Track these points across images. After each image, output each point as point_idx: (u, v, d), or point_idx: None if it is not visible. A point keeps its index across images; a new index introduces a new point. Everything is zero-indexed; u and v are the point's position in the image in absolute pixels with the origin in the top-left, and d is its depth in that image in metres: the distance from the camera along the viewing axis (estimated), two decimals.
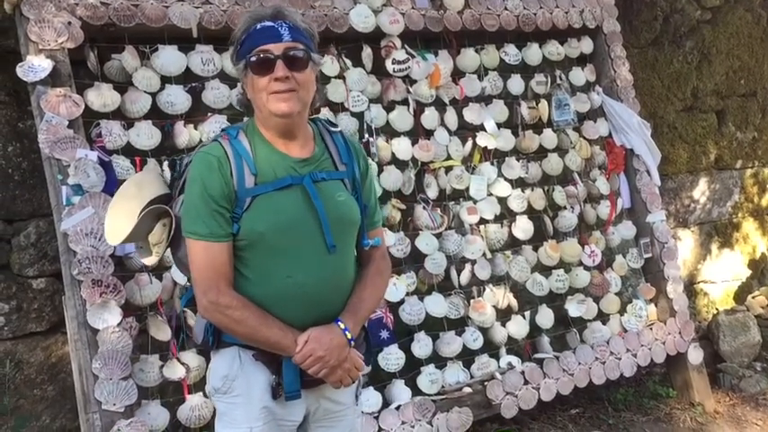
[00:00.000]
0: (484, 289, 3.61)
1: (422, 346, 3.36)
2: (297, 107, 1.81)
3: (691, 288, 5.02)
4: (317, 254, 1.83)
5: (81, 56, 2.82)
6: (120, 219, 1.98)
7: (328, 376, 1.83)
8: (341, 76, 3.32)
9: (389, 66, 3.44)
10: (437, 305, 3.44)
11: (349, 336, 1.84)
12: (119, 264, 2.73)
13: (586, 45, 4.11)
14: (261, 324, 1.78)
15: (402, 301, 3.35)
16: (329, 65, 3.29)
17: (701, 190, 5.12)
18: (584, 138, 4.02)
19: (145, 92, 2.90)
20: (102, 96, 2.82)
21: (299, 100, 1.81)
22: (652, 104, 4.72)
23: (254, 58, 1.79)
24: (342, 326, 1.83)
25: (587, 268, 3.91)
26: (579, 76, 4.07)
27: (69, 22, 2.73)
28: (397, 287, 3.34)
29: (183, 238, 1.85)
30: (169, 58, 2.95)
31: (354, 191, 1.95)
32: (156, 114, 2.93)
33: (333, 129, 1.99)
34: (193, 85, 3.01)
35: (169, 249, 2.00)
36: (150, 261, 2.04)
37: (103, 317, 2.58)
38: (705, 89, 5.01)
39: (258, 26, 1.81)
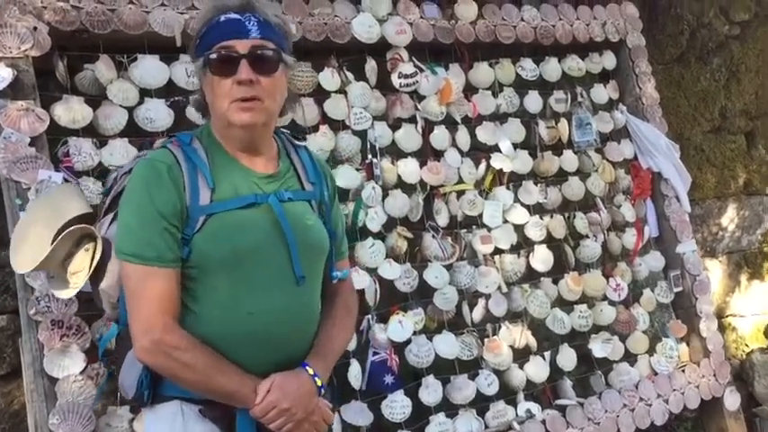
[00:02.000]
0: (499, 326, 3.28)
1: (430, 391, 3.01)
2: (261, 118, 1.57)
3: (718, 322, 4.65)
4: (283, 286, 1.58)
5: (49, 65, 2.52)
6: (31, 241, 1.67)
7: (293, 431, 1.57)
8: (342, 91, 3.04)
9: (396, 80, 3.16)
10: (448, 345, 3.10)
11: (319, 383, 1.60)
12: (86, 301, 2.38)
13: (609, 60, 3.83)
14: (215, 369, 1.49)
15: (408, 341, 3.01)
16: (329, 78, 3.01)
17: (729, 217, 4.78)
18: (608, 160, 3.72)
19: (121, 106, 2.59)
20: (71, 111, 2.51)
21: (264, 110, 1.56)
22: (678, 125, 4.40)
23: (214, 56, 1.54)
24: (310, 371, 1.59)
25: (612, 303, 3.58)
26: (601, 93, 3.78)
27: (35, 28, 2.44)
28: (404, 325, 3.00)
29: (108, 267, 1.59)
30: (149, 69, 2.65)
31: (321, 215, 1.72)
32: (134, 131, 2.62)
33: (297, 143, 1.77)
34: (176, 99, 2.70)
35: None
36: (65, 294, 1.73)
37: (63, 364, 2.24)
38: (734, 109, 4.70)
39: (222, 18, 1.55)
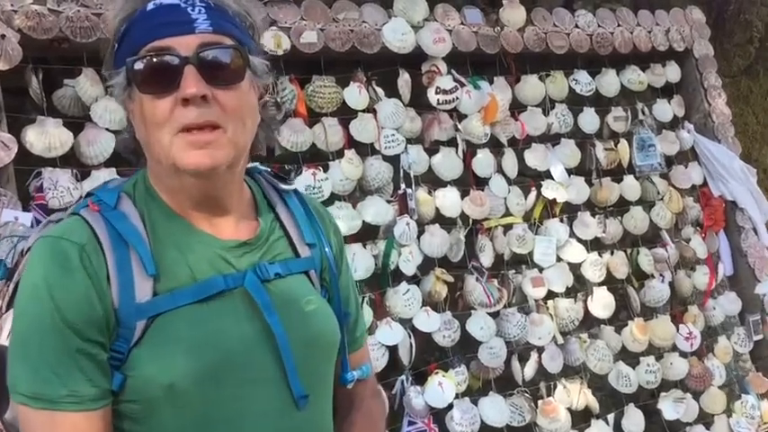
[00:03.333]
0: (555, 385, 2.88)
1: None
2: (225, 156, 1.01)
3: None
4: (275, 415, 1.05)
5: (20, 81, 2.12)
6: None
7: None
8: (371, 110, 2.65)
9: (433, 96, 2.76)
10: (495, 410, 2.68)
11: None
12: None
13: (673, 72, 3.42)
14: None
15: (450, 407, 2.60)
16: (356, 95, 2.61)
17: None
18: (674, 187, 3.33)
19: (107, 129, 2.18)
20: (46, 135, 2.09)
21: (228, 143, 1.01)
22: (745, 145, 3.90)
23: (141, 64, 1.00)
24: None
25: (684, 354, 3.14)
26: (665, 109, 3.37)
27: (3, 36, 2.03)
28: (444, 387, 2.58)
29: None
30: None
31: (326, 287, 1.20)
32: (123, 160, 2.14)
33: (284, 186, 1.22)
34: None
35: None
36: None
37: None
38: None
39: (150, 6, 1.02)
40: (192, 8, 1.01)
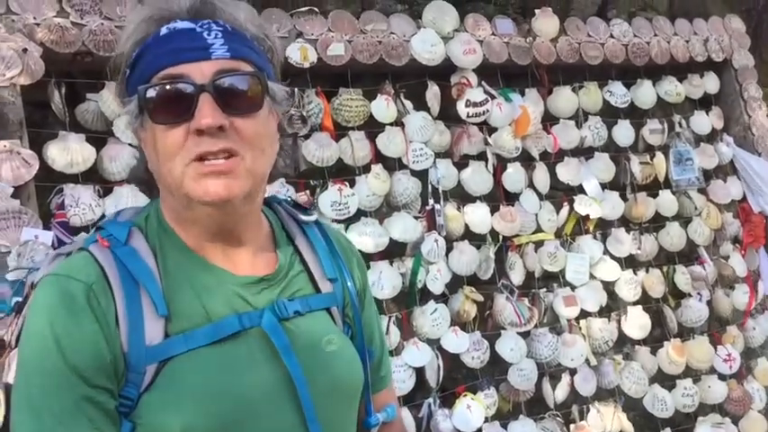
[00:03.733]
0: (588, 409, 2.80)
1: None
2: (242, 186, 0.95)
3: None
4: None
5: (42, 96, 2.08)
6: None
7: None
8: (398, 123, 2.58)
9: (462, 109, 2.68)
10: None
11: None
12: None
13: (711, 83, 3.30)
14: None
15: (479, 431, 2.53)
16: (384, 108, 2.54)
17: None
18: (713, 202, 3.23)
19: (130, 145, 2.13)
20: (68, 151, 2.06)
21: (246, 173, 0.96)
22: None
23: (154, 93, 0.94)
24: None
25: (722, 377, 3.04)
26: (703, 122, 3.25)
27: (25, 50, 1.99)
28: (473, 410, 2.52)
29: None
30: None
31: (348, 324, 1.14)
32: None
33: (304, 217, 1.15)
34: None
35: None
36: None
37: None
38: None
39: (164, 30, 0.96)
40: (209, 32, 0.95)
